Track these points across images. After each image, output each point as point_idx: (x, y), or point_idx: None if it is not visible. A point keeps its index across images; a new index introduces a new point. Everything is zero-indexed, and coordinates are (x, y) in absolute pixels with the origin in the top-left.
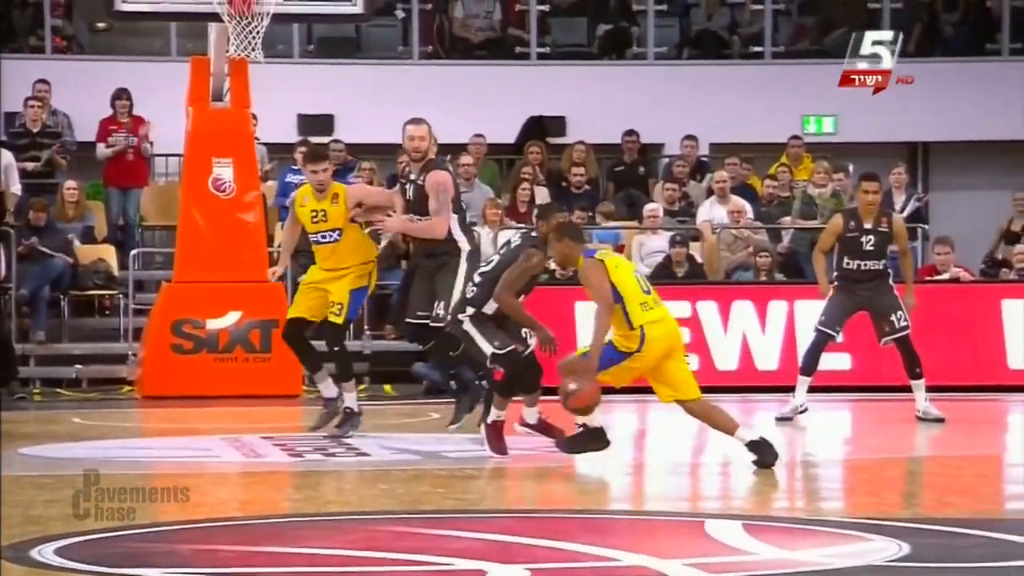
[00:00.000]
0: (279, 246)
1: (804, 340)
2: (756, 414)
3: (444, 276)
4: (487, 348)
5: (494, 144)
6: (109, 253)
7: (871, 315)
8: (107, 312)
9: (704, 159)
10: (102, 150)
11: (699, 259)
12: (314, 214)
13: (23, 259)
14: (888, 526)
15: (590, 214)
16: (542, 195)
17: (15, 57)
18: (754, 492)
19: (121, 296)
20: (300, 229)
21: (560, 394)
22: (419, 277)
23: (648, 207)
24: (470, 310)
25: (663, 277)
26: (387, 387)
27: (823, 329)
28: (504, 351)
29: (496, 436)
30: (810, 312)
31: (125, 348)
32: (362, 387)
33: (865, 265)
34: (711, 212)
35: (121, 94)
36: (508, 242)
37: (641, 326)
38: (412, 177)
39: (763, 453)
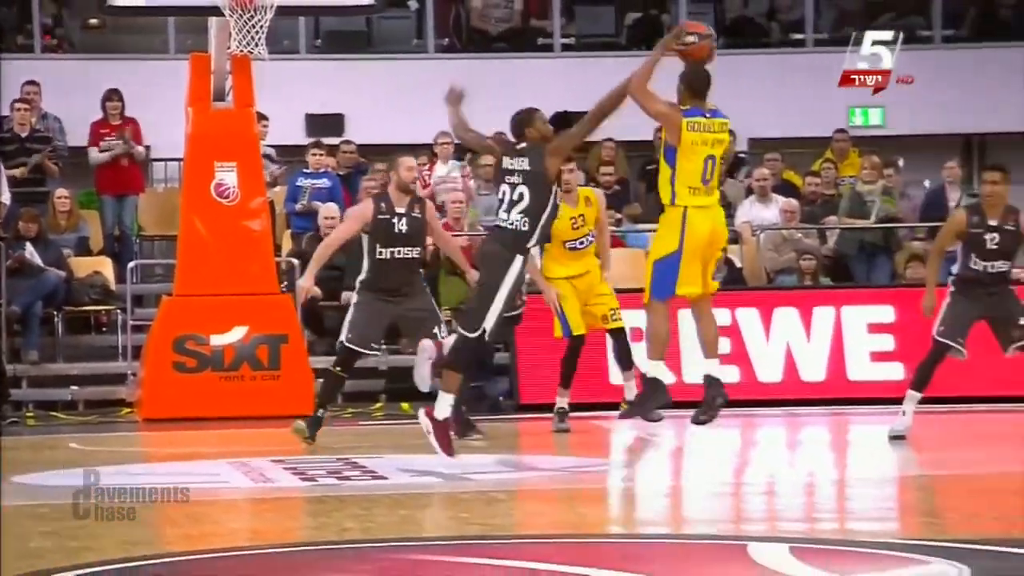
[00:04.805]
0: (288, 256)
1: (852, 349)
2: (802, 429)
3: None
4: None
5: None
6: (105, 266)
7: (992, 322)
8: (104, 329)
9: (742, 155)
10: (95, 155)
11: (738, 263)
12: (573, 220)
13: (13, 273)
14: (947, 548)
15: (618, 216)
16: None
17: (1, 57)
18: (802, 513)
19: (119, 311)
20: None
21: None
22: None
23: None
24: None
25: None
26: (404, 405)
27: (944, 340)
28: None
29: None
30: (858, 319)
31: (124, 367)
32: (378, 405)
33: (992, 267)
34: (751, 212)
35: (112, 95)
36: None
37: (685, 208)
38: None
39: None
